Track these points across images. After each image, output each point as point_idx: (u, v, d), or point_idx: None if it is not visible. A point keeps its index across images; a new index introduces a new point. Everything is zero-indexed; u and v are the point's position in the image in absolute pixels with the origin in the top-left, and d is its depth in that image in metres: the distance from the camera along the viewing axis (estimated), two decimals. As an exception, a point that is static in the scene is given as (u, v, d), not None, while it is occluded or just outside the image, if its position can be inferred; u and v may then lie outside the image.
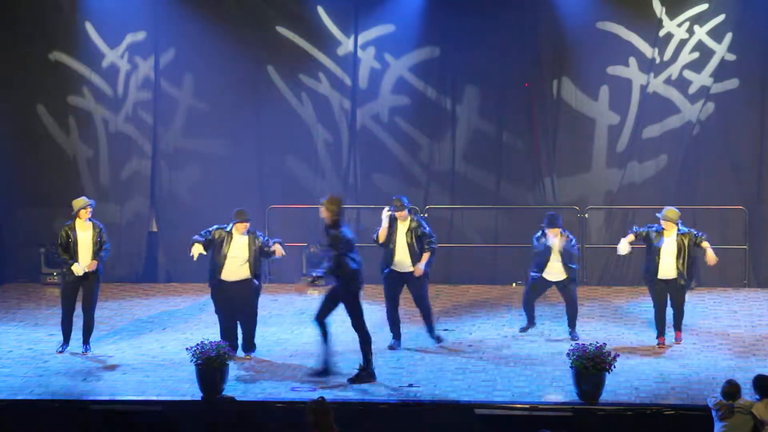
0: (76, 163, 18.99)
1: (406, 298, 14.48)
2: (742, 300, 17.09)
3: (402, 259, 14.01)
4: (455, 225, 18.52)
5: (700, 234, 14.10)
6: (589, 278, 18.37)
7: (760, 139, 18.00)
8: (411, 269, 13.98)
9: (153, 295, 17.83)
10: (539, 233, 14.48)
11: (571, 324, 14.53)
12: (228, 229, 13.69)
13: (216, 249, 13.58)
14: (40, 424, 11.81)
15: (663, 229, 14.03)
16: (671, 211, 14.08)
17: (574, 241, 14.52)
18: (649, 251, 14.11)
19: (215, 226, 13.81)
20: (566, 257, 14.29)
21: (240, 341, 13.74)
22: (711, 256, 14.06)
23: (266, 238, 13.94)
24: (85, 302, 14.02)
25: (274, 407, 11.86)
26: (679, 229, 14.03)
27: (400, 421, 11.70)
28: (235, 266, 13.55)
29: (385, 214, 14.05)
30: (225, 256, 13.52)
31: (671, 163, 18.17)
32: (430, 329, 14.28)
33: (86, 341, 14.11)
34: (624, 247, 14.36)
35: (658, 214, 14.23)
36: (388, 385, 12.54)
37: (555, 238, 14.24)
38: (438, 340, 14.23)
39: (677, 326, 14.27)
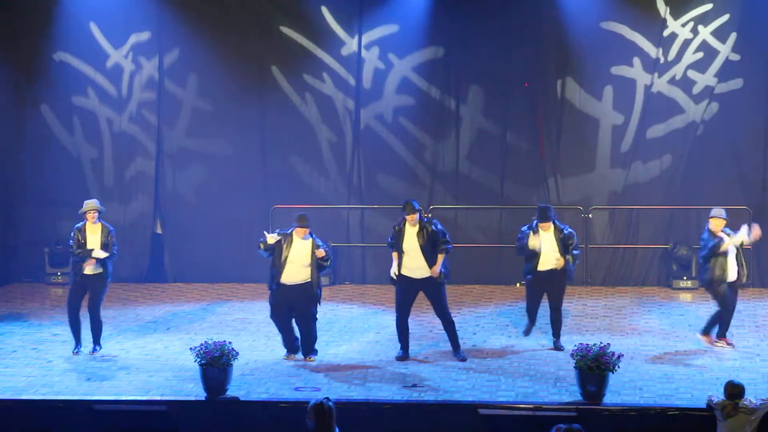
0: (80, 164, 19.02)
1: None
2: (746, 300, 17.05)
3: (414, 263, 13.34)
4: (459, 225, 18.54)
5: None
6: (593, 278, 18.38)
7: (765, 139, 18.01)
8: (426, 274, 13.30)
9: (157, 296, 17.85)
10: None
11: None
12: (289, 232, 13.51)
13: (276, 253, 13.43)
14: (44, 424, 11.81)
15: (722, 239, 13.67)
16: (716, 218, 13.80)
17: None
18: (714, 258, 13.70)
19: (278, 230, 13.59)
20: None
21: (300, 344, 13.65)
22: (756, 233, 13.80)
23: (324, 245, 13.71)
24: (91, 303, 13.99)
25: (277, 407, 11.86)
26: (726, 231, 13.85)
27: (404, 422, 11.67)
28: (296, 270, 13.38)
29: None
30: (285, 260, 13.37)
31: (675, 164, 18.17)
32: (454, 345, 13.60)
33: (96, 341, 14.10)
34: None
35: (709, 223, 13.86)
36: (392, 385, 12.54)
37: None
38: (463, 359, 13.43)
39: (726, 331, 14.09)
